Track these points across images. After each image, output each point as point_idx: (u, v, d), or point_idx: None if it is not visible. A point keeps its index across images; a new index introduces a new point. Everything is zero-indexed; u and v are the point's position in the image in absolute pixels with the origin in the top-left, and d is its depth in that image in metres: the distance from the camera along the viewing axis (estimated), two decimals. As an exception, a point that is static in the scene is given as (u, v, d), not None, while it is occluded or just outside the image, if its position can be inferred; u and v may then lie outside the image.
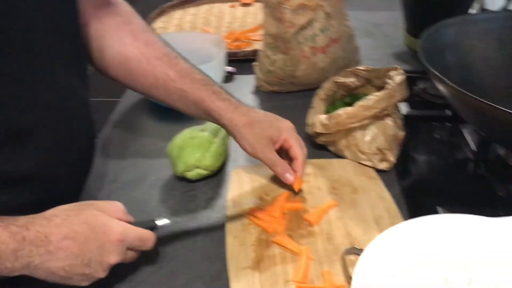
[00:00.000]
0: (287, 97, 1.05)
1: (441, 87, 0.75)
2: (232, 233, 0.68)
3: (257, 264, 0.63)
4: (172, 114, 0.98)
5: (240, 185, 0.77)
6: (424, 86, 1.00)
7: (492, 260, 0.50)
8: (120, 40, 0.70)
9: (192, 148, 0.77)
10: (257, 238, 0.67)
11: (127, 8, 0.75)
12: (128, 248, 0.58)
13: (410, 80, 0.86)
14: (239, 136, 0.71)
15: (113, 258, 0.56)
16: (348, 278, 0.60)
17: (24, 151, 0.58)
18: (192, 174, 0.77)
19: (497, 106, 0.62)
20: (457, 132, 0.89)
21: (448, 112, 0.94)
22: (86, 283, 0.56)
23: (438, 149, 0.88)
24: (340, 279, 0.60)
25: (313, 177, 0.78)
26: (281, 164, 0.72)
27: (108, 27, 0.71)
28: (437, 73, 0.71)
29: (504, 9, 1.56)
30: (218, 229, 0.70)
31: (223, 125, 0.72)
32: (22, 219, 0.52)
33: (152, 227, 0.61)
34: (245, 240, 0.66)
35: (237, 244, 0.66)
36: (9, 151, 0.56)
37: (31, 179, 0.60)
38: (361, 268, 0.45)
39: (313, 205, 0.73)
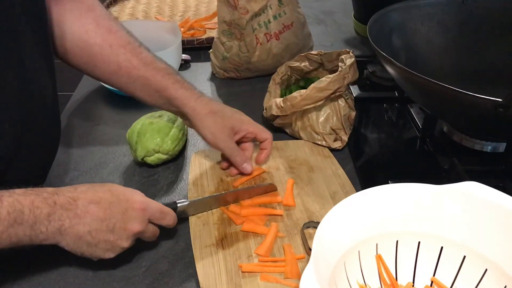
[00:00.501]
0: (243, 83, 1.07)
1: (389, 68, 0.79)
2: (195, 214, 0.69)
3: (220, 242, 0.65)
4: (128, 102, 0.98)
5: (201, 168, 0.79)
6: (373, 69, 1.04)
7: (439, 224, 0.55)
8: (83, 26, 0.70)
9: (152, 133, 0.78)
10: (219, 217, 0.69)
11: None
12: (150, 222, 0.60)
13: (360, 64, 0.89)
14: (201, 124, 0.72)
15: (136, 226, 0.58)
16: (308, 250, 0.63)
17: None
18: (152, 159, 0.78)
19: (440, 83, 0.67)
20: (404, 112, 0.95)
21: (396, 94, 0.99)
22: (110, 254, 0.58)
23: (387, 128, 0.93)
24: (300, 251, 0.64)
25: (271, 158, 0.81)
26: (240, 154, 0.75)
27: (70, 13, 0.70)
28: (385, 54, 0.75)
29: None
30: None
31: (185, 114, 0.73)
32: (50, 189, 0.55)
33: (174, 208, 0.64)
34: (208, 220, 0.68)
35: (200, 223, 0.68)
36: None
37: None
38: (319, 239, 0.48)
39: (271, 183, 0.75)
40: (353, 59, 0.83)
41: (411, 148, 0.87)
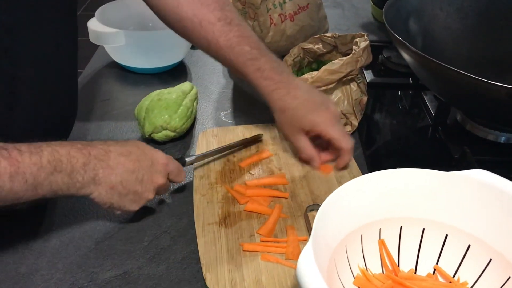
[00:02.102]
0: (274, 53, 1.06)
1: (404, 53, 0.77)
2: (200, 191, 0.69)
3: (223, 220, 0.64)
4: (139, 79, 0.98)
5: (208, 147, 0.78)
6: (389, 55, 1.02)
7: (444, 212, 0.54)
8: (177, 1, 0.69)
9: (160, 110, 0.77)
10: (223, 196, 0.69)
11: None
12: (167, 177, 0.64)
13: (375, 49, 0.88)
14: (274, 116, 0.72)
15: (160, 179, 0.62)
16: (311, 232, 0.62)
17: (7, 105, 0.59)
18: (159, 135, 0.78)
19: (455, 69, 0.65)
20: (418, 99, 0.93)
21: (410, 80, 0.97)
22: (135, 206, 0.61)
23: (399, 115, 0.91)
24: (303, 233, 0.63)
25: (279, 140, 0.80)
26: (307, 153, 0.72)
27: None
28: (400, 38, 0.73)
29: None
30: (185, 188, 0.71)
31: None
32: (81, 142, 0.58)
33: (182, 164, 0.68)
34: (212, 198, 0.68)
35: (204, 201, 0.67)
36: None
37: (16, 135, 0.60)
38: (320, 219, 0.47)
39: (279, 167, 0.75)
40: (367, 42, 0.82)
41: (423, 136, 0.86)
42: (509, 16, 0.92)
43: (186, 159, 0.70)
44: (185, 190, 0.71)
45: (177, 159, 0.67)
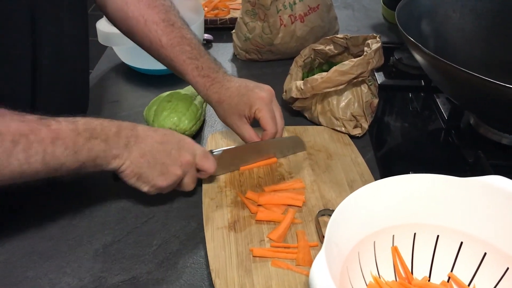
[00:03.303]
0: (265, 65, 1.05)
1: (416, 54, 0.76)
2: (209, 195, 0.68)
3: (233, 224, 0.64)
4: (148, 80, 0.98)
5: (217, 149, 0.77)
6: (400, 56, 1.01)
7: (459, 219, 0.52)
8: (124, 0, 0.73)
9: (169, 112, 0.76)
10: (233, 200, 0.68)
11: None
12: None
13: (387, 51, 0.86)
14: (214, 110, 0.75)
15: (188, 156, 0.63)
16: (322, 238, 0.61)
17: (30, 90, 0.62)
18: (168, 138, 0.77)
19: (469, 71, 0.64)
20: (430, 102, 0.91)
21: (422, 83, 0.95)
22: (163, 180, 0.62)
23: (411, 118, 0.90)
24: (314, 238, 0.62)
25: (289, 143, 0.79)
26: (248, 136, 0.73)
27: None
28: (413, 40, 0.72)
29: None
30: (194, 192, 0.70)
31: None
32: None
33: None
34: (221, 202, 0.67)
35: (214, 205, 0.67)
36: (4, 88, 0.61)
37: None
38: (333, 226, 0.46)
39: (289, 171, 0.74)
40: (379, 44, 0.80)
41: (435, 140, 0.84)
42: (523, 18, 0.91)
43: (214, 152, 0.70)
44: (194, 193, 0.70)
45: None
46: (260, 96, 0.72)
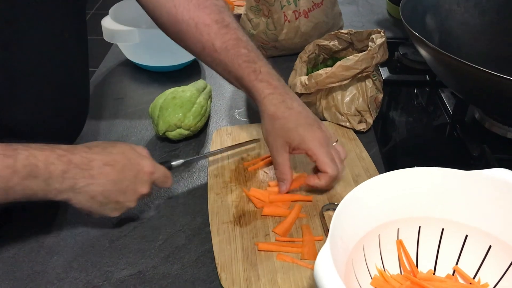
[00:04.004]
0: (269, 61, 1.04)
1: (421, 49, 0.76)
2: (214, 190, 0.69)
3: (238, 219, 0.64)
4: (153, 77, 0.98)
5: (222, 145, 0.77)
6: (405, 51, 1.01)
7: (464, 212, 0.52)
8: (173, 3, 0.68)
9: (174, 108, 0.77)
10: (238, 195, 0.68)
11: None
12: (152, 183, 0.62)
13: (392, 46, 0.86)
14: (262, 121, 0.68)
15: (144, 189, 0.60)
16: (326, 232, 0.62)
17: (18, 100, 0.58)
18: (173, 134, 0.78)
19: (474, 65, 0.64)
20: (435, 97, 0.91)
21: (427, 77, 0.95)
22: (116, 213, 0.60)
23: (416, 113, 0.89)
24: (319, 232, 0.62)
25: (294, 138, 0.79)
26: (283, 171, 0.66)
27: None
28: (417, 34, 0.72)
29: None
30: (200, 187, 0.71)
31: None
32: (64, 146, 0.56)
33: (169, 168, 0.66)
34: (226, 197, 0.68)
35: (219, 200, 0.67)
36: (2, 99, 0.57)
37: (24, 131, 0.60)
38: (337, 219, 0.47)
39: (293, 166, 0.74)
40: (383, 39, 0.80)
41: (440, 134, 0.84)
42: (528, 12, 0.90)
43: (173, 163, 0.67)
44: (200, 188, 0.71)
45: (162, 163, 0.65)
46: (317, 136, 0.64)
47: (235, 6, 1.25)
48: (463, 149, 0.77)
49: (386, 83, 0.89)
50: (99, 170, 0.56)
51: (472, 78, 0.68)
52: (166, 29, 0.71)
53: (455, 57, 0.67)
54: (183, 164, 0.68)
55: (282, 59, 1.05)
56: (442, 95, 0.90)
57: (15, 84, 0.58)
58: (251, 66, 0.66)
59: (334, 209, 0.65)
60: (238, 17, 1.12)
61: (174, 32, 0.70)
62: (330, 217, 0.64)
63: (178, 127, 0.77)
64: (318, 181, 0.65)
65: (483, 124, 0.81)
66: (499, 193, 0.51)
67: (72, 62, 0.66)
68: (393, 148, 0.82)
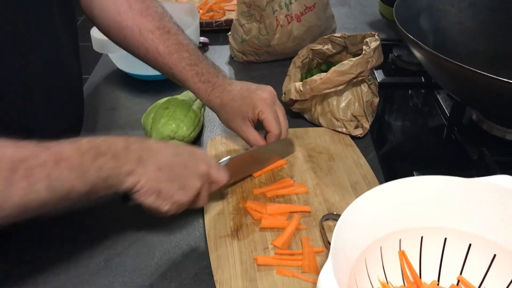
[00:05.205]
0: (263, 66, 1.04)
1: (416, 52, 0.75)
2: (210, 202, 0.67)
3: (236, 232, 0.62)
4: (145, 86, 0.96)
5: (217, 155, 0.76)
6: (399, 53, 1.00)
7: (467, 220, 0.51)
8: (116, 8, 0.71)
9: (167, 119, 0.75)
10: (235, 207, 0.66)
11: None
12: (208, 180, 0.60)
13: (386, 48, 0.85)
14: (217, 115, 0.75)
15: (203, 166, 0.59)
16: (327, 243, 0.60)
17: (13, 106, 0.59)
18: (167, 145, 0.76)
19: (472, 68, 0.63)
20: (431, 99, 0.90)
21: (422, 79, 0.94)
22: (184, 196, 0.57)
23: (412, 116, 0.88)
24: (318, 244, 0.61)
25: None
26: (256, 143, 0.72)
27: None
28: (412, 37, 0.71)
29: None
30: (195, 199, 0.69)
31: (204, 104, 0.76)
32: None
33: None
34: (223, 209, 0.66)
35: (215, 213, 0.65)
36: None
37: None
38: (339, 234, 0.45)
39: (291, 174, 0.72)
40: (378, 42, 0.79)
41: (438, 137, 0.83)
42: (523, 10, 0.90)
43: (222, 160, 0.65)
44: (195, 201, 0.69)
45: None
46: (263, 97, 0.71)
47: (226, 11, 1.23)
48: (462, 152, 0.76)
49: (381, 86, 0.88)
50: (156, 146, 0.57)
51: (468, 80, 0.67)
52: (111, 34, 0.75)
53: (450, 60, 0.65)
54: (230, 162, 0.65)
55: (275, 63, 1.04)
56: (439, 96, 0.89)
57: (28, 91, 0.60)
58: (193, 69, 0.72)
59: (334, 219, 0.64)
60: (229, 22, 1.11)
61: (118, 38, 0.73)
62: (330, 228, 0.63)
63: (172, 138, 0.75)
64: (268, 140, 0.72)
65: (481, 126, 0.80)
66: (502, 201, 0.50)
67: (66, 64, 0.68)
68: (391, 153, 0.80)
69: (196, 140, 0.81)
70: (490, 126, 0.79)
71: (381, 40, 0.82)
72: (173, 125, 0.75)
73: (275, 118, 0.71)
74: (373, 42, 0.79)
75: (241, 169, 0.70)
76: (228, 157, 0.66)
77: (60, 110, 0.66)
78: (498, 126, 0.78)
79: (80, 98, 0.73)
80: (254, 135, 0.72)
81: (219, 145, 0.78)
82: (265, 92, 0.72)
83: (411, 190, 0.51)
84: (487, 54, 0.89)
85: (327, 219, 0.64)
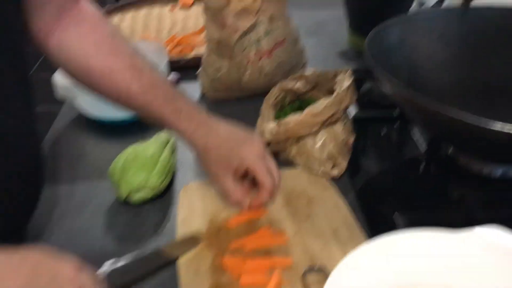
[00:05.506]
0: (235, 103, 1.01)
1: (389, 89, 0.74)
2: (185, 259, 0.63)
3: (214, 293, 0.59)
4: (112, 131, 0.92)
5: (190, 205, 0.73)
6: (371, 85, 0.98)
7: (459, 278, 0.49)
8: (83, 49, 0.67)
9: (136, 169, 0.71)
10: (211, 263, 0.63)
11: (92, 12, 0.69)
12: None
13: (358, 80, 0.83)
14: (198, 159, 0.70)
15: None
16: (310, 300, 0.57)
17: None
18: (137, 197, 0.72)
19: (443, 107, 0.61)
20: (406, 132, 0.89)
21: (397, 112, 0.93)
22: None
23: (388, 151, 0.87)
24: (301, 301, 0.58)
25: (266, 191, 0.75)
26: (234, 196, 0.67)
27: (71, 36, 0.66)
28: (386, 74, 0.69)
29: (440, 6, 1.60)
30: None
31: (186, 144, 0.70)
32: None
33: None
34: (199, 266, 0.62)
35: (191, 271, 0.62)
36: None
37: None
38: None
39: (267, 221, 0.69)
40: (350, 80, 0.78)
41: (416, 173, 0.81)
42: (492, 41, 0.90)
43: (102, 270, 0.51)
44: (169, 257, 0.65)
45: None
46: (252, 150, 0.67)
47: (195, 46, 1.21)
48: (442, 188, 0.75)
49: (355, 120, 0.86)
50: (5, 275, 0.42)
51: (442, 118, 0.65)
52: (79, 78, 0.69)
53: (427, 100, 0.64)
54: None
55: (248, 100, 1.01)
56: (413, 130, 0.87)
57: None
58: (172, 105, 0.67)
59: (316, 271, 0.61)
60: (199, 58, 1.08)
61: (88, 81, 0.68)
62: (313, 281, 0.60)
63: (142, 190, 0.72)
64: (260, 198, 0.68)
65: (457, 160, 0.79)
66: (492, 255, 0.48)
67: (16, 130, 0.60)
68: (370, 192, 0.78)
69: (168, 188, 0.77)
70: (466, 161, 0.78)
71: (353, 71, 0.81)
72: (143, 175, 0.71)
73: (267, 170, 0.68)
74: (346, 80, 0.78)
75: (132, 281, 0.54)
76: (113, 262, 0.53)
77: (14, 170, 0.59)
78: (474, 160, 0.77)
79: (37, 153, 0.66)
80: (234, 190, 0.67)
81: (193, 194, 0.75)
82: (255, 143, 0.68)
83: (399, 247, 0.49)
84: (460, 86, 0.88)
85: (310, 272, 0.61)
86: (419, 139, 0.85)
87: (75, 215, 0.73)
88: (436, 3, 1.84)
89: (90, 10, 0.69)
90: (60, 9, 0.66)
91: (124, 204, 0.74)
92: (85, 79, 0.69)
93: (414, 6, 1.19)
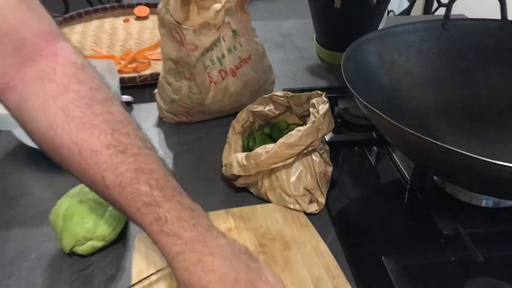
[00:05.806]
0: (198, 127, 0.92)
1: (367, 114, 0.66)
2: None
3: None
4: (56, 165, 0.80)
5: (147, 254, 0.62)
6: (345, 106, 0.91)
7: None
8: (48, 118, 0.51)
9: (82, 216, 0.61)
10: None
11: (68, 60, 0.52)
12: None
13: (330, 100, 0.75)
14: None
15: None
16: None
17: None
18: (84, 248, 0.61)
19: (448, 147, 0.54)
20: (386, 158, 0.82)
21: (374, 135, 0.86)
22: None
23: (369, 179, 0.79)
24: None
25: (236, 233, 0.66)
26: None
27: (35, 98, 0.51)
28: (365, 103, 0.62)
29: (408, 14, 1.54)
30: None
31: None
32: None
33: None
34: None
35: None
36: None
37: None
38: None
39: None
40: (327, 106, 0.70)
41: (401, 204, 0.74)
42: (471, 56, 0.85)
43: None
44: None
45: None
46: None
47: (151, 61, 1.11)
48: (431, 224, 0.67)
49: (330, 145, 0.78)
50: None
51: (440, 158, 0.58)
52: (47, 153, 0.54)
53: (408, 130, 0.57)
54: None
55: (212, 123, 0.92)
56: (394, 155, 0.80)
57: None
58: (153, 212, 0.49)
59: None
60: (156, 75, 0.98)
61: (53, 157, 0.53)
62: None
63: (89, 240, 0.61)
64: None
65: (445, 190, 0.72)
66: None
67: None
68: (352, 230, 0.69)
69: (121, 236, 0.66)
70: (454, 189, 0.72)
71: (327, 89, 0.73)
72: (90, 223, 0.60)
73: None
74: (322, 105, 0.70)
75: None
76: None
77: None
78: (463, 189, 0.70)
79: None
80: None
81: (150, 241, 0.64)
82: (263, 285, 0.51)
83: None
84: (440, 104, 0.83)
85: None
86: (402, 166, 0.78)
87: (11, 268, 0.61)
88: (404, 11, 1.81)
89: (65, 58, 0.52)
90: (17, 54, 0.50)
91: (70, 254, 0.63)
92: (50, 153, 0.53)
93: (384, 17, 1.13)
